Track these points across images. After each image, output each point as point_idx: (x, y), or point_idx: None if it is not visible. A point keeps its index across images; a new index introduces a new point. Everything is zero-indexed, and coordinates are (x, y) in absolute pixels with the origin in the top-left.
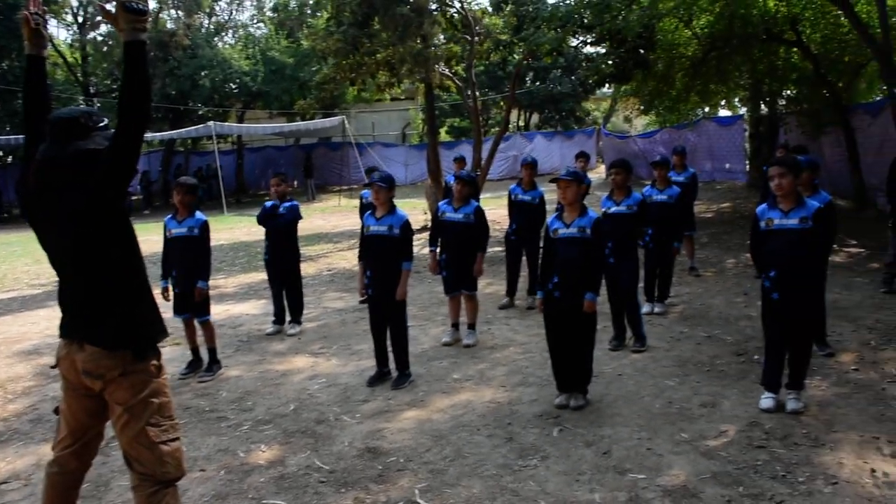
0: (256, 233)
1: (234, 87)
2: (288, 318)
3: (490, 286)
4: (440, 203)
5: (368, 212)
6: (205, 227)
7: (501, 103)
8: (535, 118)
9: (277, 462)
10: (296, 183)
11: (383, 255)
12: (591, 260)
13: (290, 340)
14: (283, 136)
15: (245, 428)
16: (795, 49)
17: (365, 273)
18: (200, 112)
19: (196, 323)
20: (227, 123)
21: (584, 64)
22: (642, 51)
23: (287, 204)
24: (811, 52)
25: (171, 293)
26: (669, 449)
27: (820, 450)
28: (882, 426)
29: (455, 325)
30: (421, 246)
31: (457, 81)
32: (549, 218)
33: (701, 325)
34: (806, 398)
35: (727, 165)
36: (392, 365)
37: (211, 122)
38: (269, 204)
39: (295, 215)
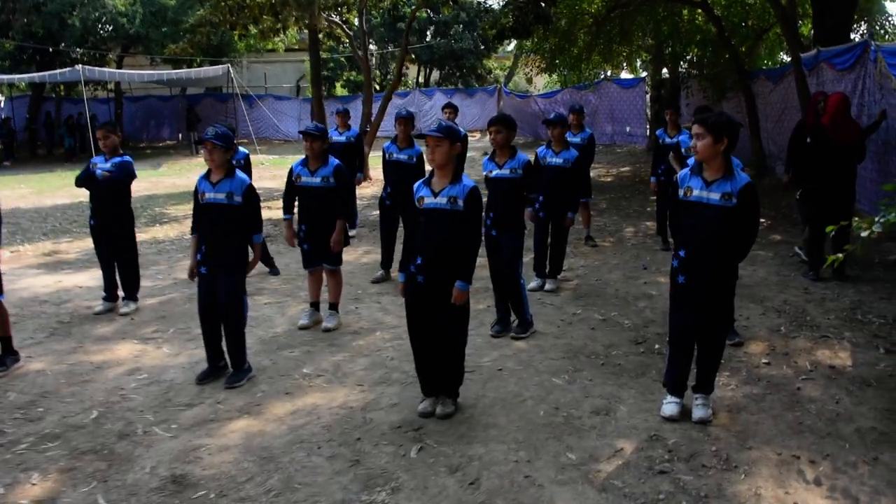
0: (133, 187)
1: (110, 28)
2: (121, 294)
3: (367, 255)
4: (294, 164)
5: (200, 178)
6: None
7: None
8: (435, 75)
9: (46, 501)
10: (180, 136)
11: (222, 226)
12: (464, 238)
13: (121, 321)
14: (165, 84)
15: (23, 446)
16: (700, 11)
17: (199, 248)
18: (74, 55)
19: None
20: (98, 68)
21: (482, 16)
22: (543, 4)
23: (117, 160)
24: (715, 14)
25: None
26: (552, 477)
27: (733, 475)
28: (801, 439)
29: (314, 305)
30: None
31: (347, 30)
32: (416, 184)
33: (596, 304)
34: (714, 401)
35: (627, 129)
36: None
37: (79, 66)
38: (94, 160)
39: (126, 173)
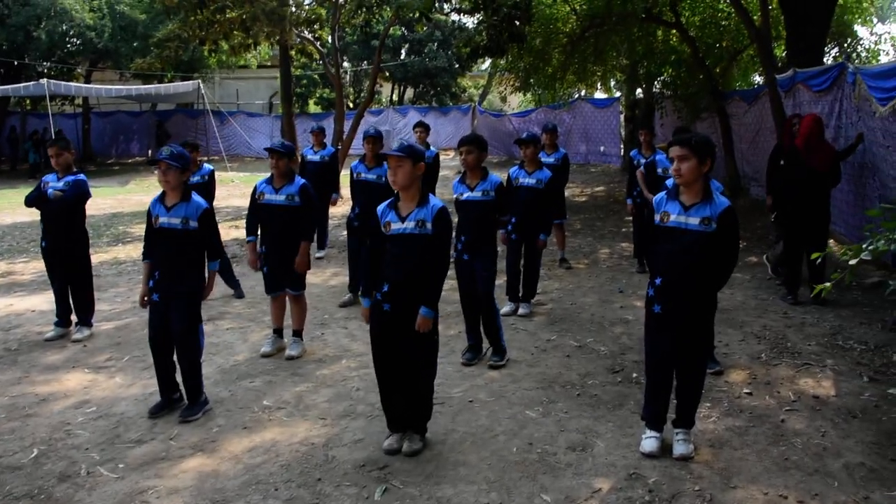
0: (97, 205)
1: (78, 42)
2: (74, 319)
3: (336, 277)
4: (259, 182)
5: (154, 200)
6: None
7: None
8: (409, 93)
9: None
10: (150, 152)
11: (176, 252)
12: (431, 263)
13: (73, 349)
14: (133, 99)
15: None
16: (674, 31)
17: (152, 275)
18: (40, 69)
19: None
20: (64, 83)
21: (456, 34)
22: (518, 22)
23: (70, 178)
24: (689, 35)
25: None
26: None
27: None
28: (788, 477)
29: (277, 332)
30: None
31: (318, 47)
32: (380, 207)
33: (571, 330)
34: (696, 434)
35: (602, 148)
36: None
37: (44, 80)
38: (46, 178)
39: (80, 192)
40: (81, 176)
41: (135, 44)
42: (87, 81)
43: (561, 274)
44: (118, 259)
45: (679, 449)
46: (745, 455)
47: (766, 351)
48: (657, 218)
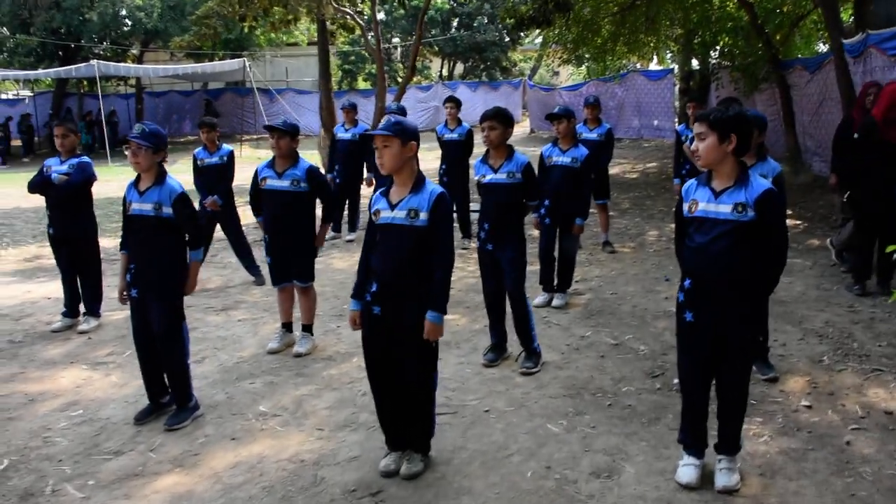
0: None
1: (130, 23)
2: (83, 309)
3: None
4: (260, 166)
5: (129, 184)
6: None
7: (424, 51)
8: (459, 68)
9: None
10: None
11: (150, 242)
12: (433, 259)
13: (76, 341)
14: (181, 78)
15: None
16: None
17: (128, 267)
18: (96, 51)
19: None
20: (114, 63)
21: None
22: None
23: (74, 161)
24: (747, 0)
25: None
26: None
27: None
28: None
29: (286, 326)
30: None
31: (359, 21)
32: (374, 194)
33: (609, 325)
34: (743, 458)
35: (655, 122)
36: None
37: (94, 61)
38: (48, 162)
39: (86, 176)
40: (86, 158)
41: (183, 23)
42: (140, 62)
43: (603, 259)
44: None
45: (722, 480)
46: (803, 487)
47: (829, 353)
48: (685, 208)
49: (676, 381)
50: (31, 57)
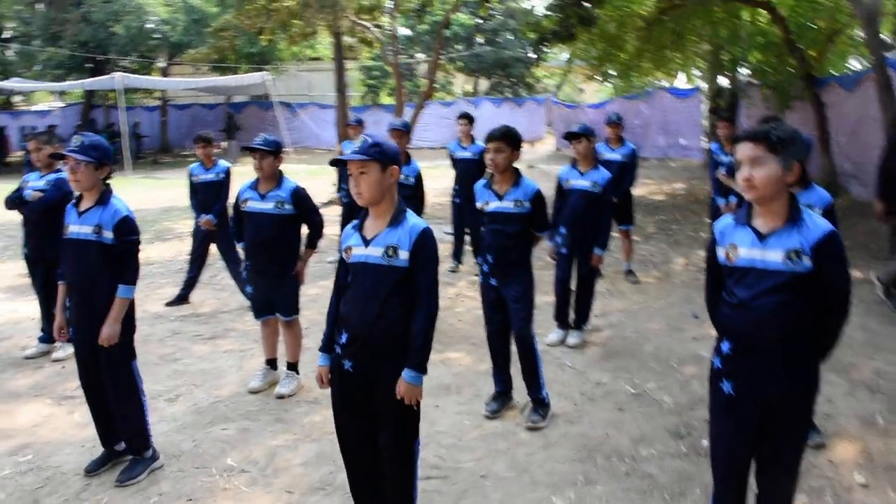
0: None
1: (155, 37)
2: None
3: None
4: (242, 188)
5: (70, 204)
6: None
7: (447, 66)
8: (484, 84)
9: None
10: (223, 144)
11: (87, 270)
12: (411, 307)
13: (48, 371)
14: (203, 91)
15: None
16: (762, 11)
17: (67, 299)
18: (122, 63)
19: None
20: (136, 76)
21: (521, 20)
22: (587, 3)
23: (52, 177)
24: (780, 14)
25: None
26: None
27: None
28: None
29: (270, 363)
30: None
31: (378, 35)
32: (347, 228)
33: (629, 369)
34: None
35: (682, 141)
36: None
37: (116, 74)
38: (26, 177)
39: (64, 192)
40: (63, 174)
41: (205, 36)
42: (166, 75)
43: (625, 290)
44: (149, 259)
45: None
46: None
47: (884, 410)
48: (721, 254)
49: (706, 442)
50: (62, 69)
